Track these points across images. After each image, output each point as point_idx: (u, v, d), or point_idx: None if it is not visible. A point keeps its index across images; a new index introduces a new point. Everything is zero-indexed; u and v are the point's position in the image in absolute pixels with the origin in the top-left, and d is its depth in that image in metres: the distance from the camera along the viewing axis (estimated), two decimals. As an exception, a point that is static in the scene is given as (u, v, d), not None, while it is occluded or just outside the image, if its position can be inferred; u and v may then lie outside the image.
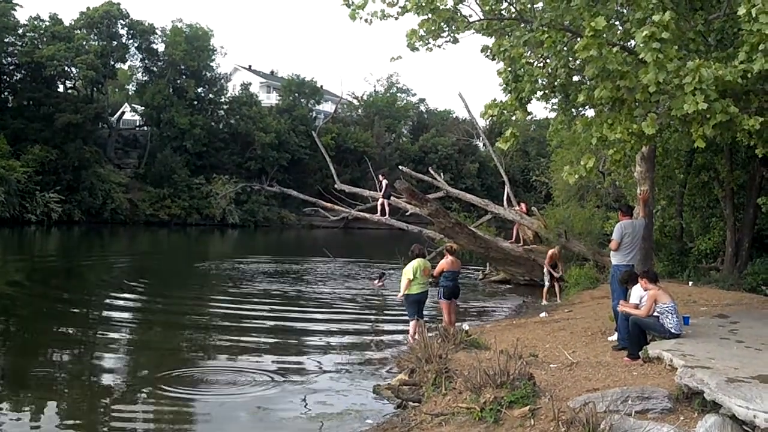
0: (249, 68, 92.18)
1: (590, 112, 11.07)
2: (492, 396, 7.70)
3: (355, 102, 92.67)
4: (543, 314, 16.03)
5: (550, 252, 20.48)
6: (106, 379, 10.63)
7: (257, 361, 12.07)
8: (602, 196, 31.61)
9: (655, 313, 9.58)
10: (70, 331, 14.53)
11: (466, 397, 8.02)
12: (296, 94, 78.90)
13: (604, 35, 8.50)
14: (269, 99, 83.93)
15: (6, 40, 56.71)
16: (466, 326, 13.20)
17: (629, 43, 9.42)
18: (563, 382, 8.52)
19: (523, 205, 28.06)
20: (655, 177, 14.63)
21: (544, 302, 19.20)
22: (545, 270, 20.09)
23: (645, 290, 9.84)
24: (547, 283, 19.89)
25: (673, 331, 9.51)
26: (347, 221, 55.75)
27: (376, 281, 23.54)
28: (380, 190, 27.02)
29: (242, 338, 14.11)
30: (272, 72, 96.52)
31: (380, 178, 27.34)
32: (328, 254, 31.78)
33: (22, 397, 9.76)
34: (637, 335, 9.54)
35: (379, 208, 26.58)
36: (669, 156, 19.61)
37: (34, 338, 13.98)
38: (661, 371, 8.57)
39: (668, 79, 8.13)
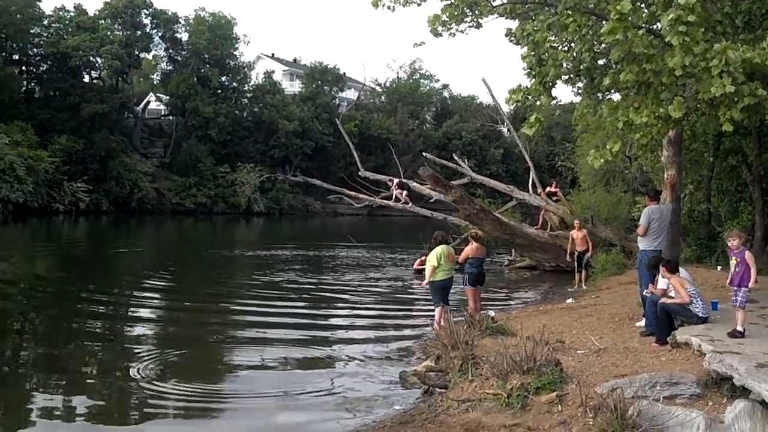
0: (272, 56, 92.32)
1: (616, 96, 10.98)
2: (519, 382, 7.71)
3: (378, 89, 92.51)
4: (569, 300, 15.99)
5: (570, 235, 20.29)
6: (132, 369, 10.75)
7: (284, 348, 12.17)
8: (629, 181, 31.30)
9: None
10: (98, 323, 14.68)
11: (492, 383, 8.04)
12: (319, 82, 78.92)
13: (630, 18, 8.42)
14: (292, 87, 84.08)
15: (32, 31, 57.32)
16: (492, 313, 13.20)
17: (655, 26, 9.32)
18: (590, 368, 8.50)
19: (554, 182, 27.94)
20: (682, 161, 14.47)
21: (584, 286, 19.12)
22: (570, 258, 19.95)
23: (663, 278, 9.80)
24: (576, 265, 19.72)
25: (700, 315, 9.45)
26: (371, 208, 56.04)
27: (400, 191, 24.01)
28: (393, 198, 27.28)
29: (269, 327, 14.19)
30: (295, 60, 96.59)
31: (392, 186, 27.50)
32: (353, 241, 31.86)
33: (51, 385, 9.94)
34: (664, 321, 9.49)
35: (402, 199, 26.77)
36: (696, 140, 19.38)
37: (61, 327, 14.17)
38: (689, 357, 8.53)
39: (695, 62, 8.05)
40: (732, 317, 8.82)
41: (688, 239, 20.62)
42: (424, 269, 14.24)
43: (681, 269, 10.07)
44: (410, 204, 26.54)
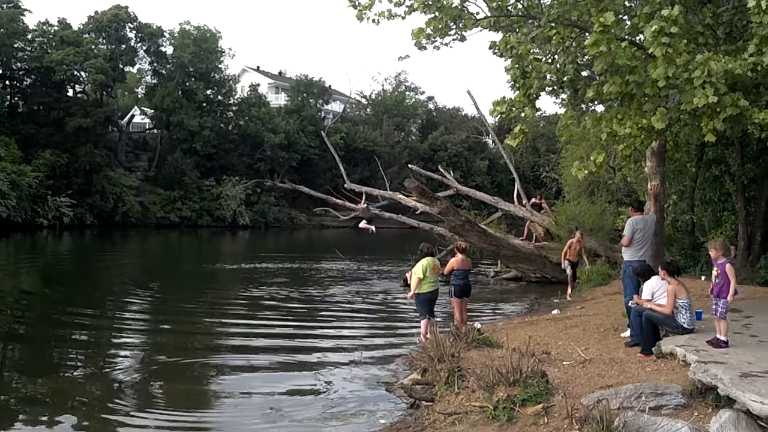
0: (257, 69, 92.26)
1: (600, 108, 11.03)
2: (505, 394, 7.69)
3: (364, 101, 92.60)
4: (555, 311, 16.00)
5: (569, 242, 20.24)
6: (117, 376, 10.66)
7: (268, 363, 12.10)
8: (613, 192, 31.44)
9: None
10: (82, 338, 14.55)
11: (479, 395, 8.01)
12: (305, 95, 78.86)
13: (613, 30, 8.47)
14: (278, 100, 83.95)
15: (15, 45, 56.97)
16: (478, 324, 13.19)
17: (638, 38, 9.38)
18: (576, 380, 8.49)
19: (538, 195, 28.07)
20: (665, 172, 14.57)
21: (568, 297, 19.16)
22: (563, 262, 19.97)
23: (662, 280, 9.76)
24: (569, 273, 19.79)
25: (685, 326, 9.46)
26: (358, 221, 56.03)
27: (365, 224, 24.42)
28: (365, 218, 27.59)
29: (253, 340, 14.13)
30: (280, 72, 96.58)
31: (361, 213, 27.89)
32: (339, 254, 31.77)
33: (34, 402, 9.81)
34: (649, 331, 9.51)
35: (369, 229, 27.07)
36: (679, 150, 19.50)
37: (44, 343, 14.01)
38: (674, 367, 8.54)
39: (677, 73, 8.10)
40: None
41: (672, 249, 20.70)
42: None
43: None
44: (374, 231, 27.00)
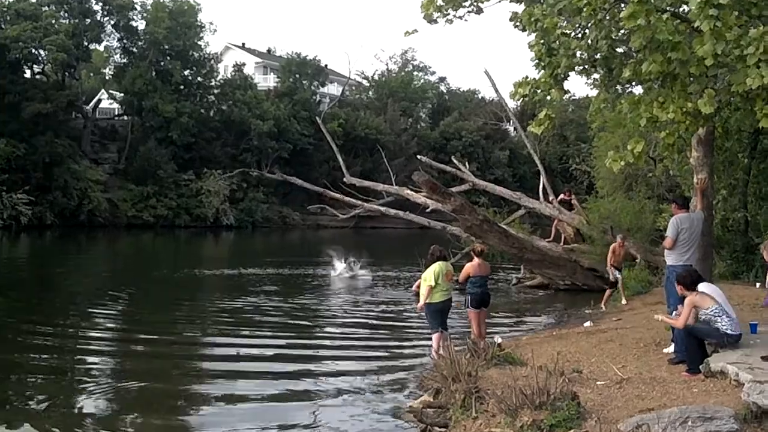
0: (242, 46, 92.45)
1: (638, 89, 11.05)
2: (530, 419, 7.71)
3: (365, 83, 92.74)
4: (587, 324, 16.00)
5: (612, 246, 19.96)
6: (86, 408, 10.70)
7: (262, 385, 12.12)
8: (653, 186, 31.42)
9: (702, 317, 9.53)
10: (43, 355, 14.56)
11: (500, 420, 8.03)
12: (297, 75, 78.94)
13: (653, 0, 8.48)
14: (266, 81, 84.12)
15: (-37, 20, 57.10)
16: (498, 339, 13.18)
17: (681, 10, 9.40)
18: (612, 402, 8.51)
19: (567, 190, 28.02)
20: (714, 163, 14.56)
21: (603, 307, 19.07)
22: (609, 269, 19.81)
23: (680, 295, 9.78)
24: (615, 279, 19.59)
25: (730, 332, 9.44)
26: (358, 220, 56.14)
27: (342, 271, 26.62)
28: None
29: (242, 360, 14.12)
30: (269, 50, 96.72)
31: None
32: (337, 258, 31.80)
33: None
34: (695, 346, 9.51)
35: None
36: (730, 138, 19.46)
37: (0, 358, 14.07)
38: (725, 387, 8.55)
39: (727, 50, 8.10)
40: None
41: (722, 252, 20.68)
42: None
43: (710, 285, 10.08)
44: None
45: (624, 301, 19.31)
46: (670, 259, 11.14)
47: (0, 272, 29.84)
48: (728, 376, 8.67)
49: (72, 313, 20.15)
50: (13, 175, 53.23)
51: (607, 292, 19.69)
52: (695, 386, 8.83)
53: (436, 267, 13.00)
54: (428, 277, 12.92)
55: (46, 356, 14.42)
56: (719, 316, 9.51)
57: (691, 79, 8.87)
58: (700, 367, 9.27)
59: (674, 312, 10.55)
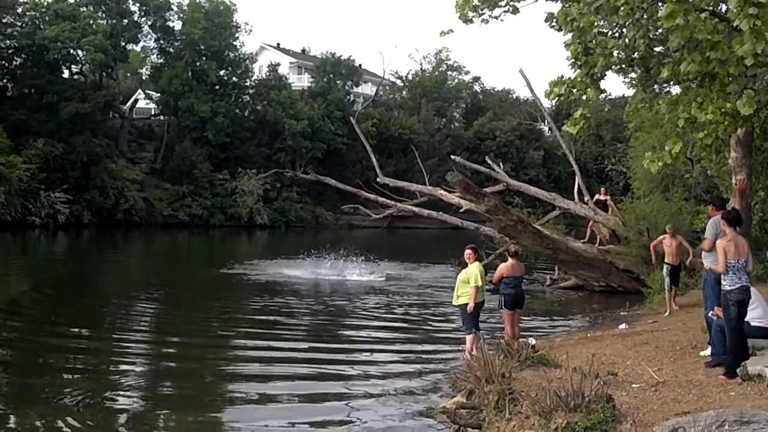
0: (277, 47, 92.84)
1: (676, 89, 10.96)
2: (564, 421, 7.68)
3: (399, 83, 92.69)
4: (622, 326, 15.90)
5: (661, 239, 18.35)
6: (121, 405, 10.82)
7: (293, 386, 12.16)
8: (691, 187, 31.13)
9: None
10: (78, 356, 14.71)
11: (534, 422, 8.01)
12: (331, 75, 79.13)
13: (691, 0, 8.41)
14: (300, 81, 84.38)
15: (4, 20, 57.75)
16: (532, 340, 13.15)
17: (720, 9, 9.30)
18: (647, 405, 8.46)
19: (603, 189, 27.74)
20: (753, 164, 14.40)
21: (675, 306, 17.55)
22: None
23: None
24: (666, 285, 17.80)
25: (764, 325, 9.28)
26: (391, 220, 56.16)
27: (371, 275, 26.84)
28: None
29: (274, 361, 14.10)
30: (304, 50, 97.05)
31: None
32: (371, 258, 31.82)
33: (28, 417, 10.01)
34: (735, 348, 9.40)
35: None
36: (769, 139, 19.24)
37: (36, 357, 14.23)
38: (763, 391, 8.47)
39: (767, 50, 8.01)
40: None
41: (760, 254, 20.42)
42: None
43: (752, 289, 9.95)
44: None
45: (668, 312, 17.49)
46: (708, 261, 11.04)
47: (38, 270, 30.21)
48: (766, 379, 8.58)
49: (108, 312, 20.34)
50: (51, 174, 53.84)
51: (674, 291, 18.05)
52: (732, 389, 8.76)
53: (475, 268, 12.98)
54: (473, 276, 12.86)
55: (81, 355, 14.57)
56: (741, 270, 9.27)
57: (730, 79, 8.78)
58: (738, 370, 9.18)
59: (711, 313, 10.45)
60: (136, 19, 66.37)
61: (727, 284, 9.27)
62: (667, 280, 17.66)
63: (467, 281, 12.92)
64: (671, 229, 18.08)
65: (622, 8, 9.34)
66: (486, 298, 13.42)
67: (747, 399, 8.26)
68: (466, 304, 12.89)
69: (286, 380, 12.55)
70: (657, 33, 9.79)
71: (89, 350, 15.24)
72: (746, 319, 9.49)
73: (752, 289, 9.73)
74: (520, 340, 13.01)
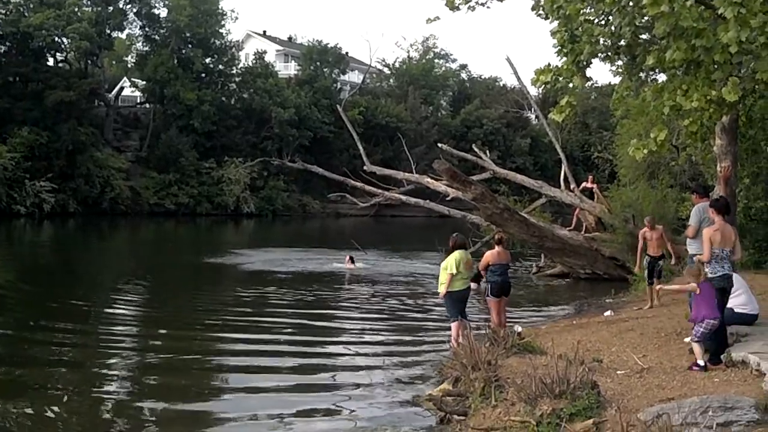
0: (263, 34, 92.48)
1: (661, 77, 10.97)
2: (549, 408, 7.70)
3: (386, 71, 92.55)
4: (608, 313, 15.95)
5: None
6: (107, 394, 10.80)
7: (280, 377, 12.11)
8: (676, 175, 31.20)
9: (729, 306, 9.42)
10: (63, 348, 14.61)
11: (519, 409, 8.04)
12: (318, 63, 78.95)
13: (676, -13, 8.42)
14: (287, 69, 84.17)
15: (-13, 7, 57.33)
16: (518, 328, 13.19)
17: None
18: (632, 391, 8.49)
19: (590, 177, 27.81)
20: (737, 151, 14.44)
21: (657, 302, 16.78)
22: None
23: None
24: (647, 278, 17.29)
25: (749, 312, 9.33)
26: (378, 208, 56.21)
27: (347, 263, 26.77)
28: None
29: (260, 353, 13.88)
30: (290, 38, 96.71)
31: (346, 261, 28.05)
32: (358, 246, 31.80)
33: (12, 409, 9.97)
34: (717, 335, 9.46)
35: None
36: (754, 126, 19.26)
37: (22, 348, 14.13)
38: (746, 377, 8.51)
39: (752, 37, 8.03)
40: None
41: (744, 241, 20.50)
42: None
43: (735, 275, 10.00)
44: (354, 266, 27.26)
45: (649, 305, 16.82)
46: (693, 248, 11.08)
47: (23, 260, 30.07)
48: (750, 366, 8.64)
49: (94, 303, 20.20)
50: (36, 162, 53.53)
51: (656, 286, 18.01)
52: (716, 376, 8.80)
53: (457, 255, 13.01)
54: (449, 264, 12.93)
55: (67, 347, 14.42)
56: (724, 260, 9.33)
57: (715, 66, 8.80)
58: (722, 356, 9.23)
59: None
60: (121, 6, 65.91)
61: (709, 272, 9.32)
62: (645, 272, 17.30)
63: (446, 268, 12.97)
64: (650, 221, 17.77)
65: (607, -5, 9.35)
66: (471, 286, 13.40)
67: (731, 385, 8.30)
68: (449, 292, 12.92)
69: (273, 371, 12.48)
70: (643, 20, 9.78)
71: (75, 341, 15.07)
72: (730, 305, 9.54)
73: (736, 276, 9.78)
74: (506, 327, 13.05)
